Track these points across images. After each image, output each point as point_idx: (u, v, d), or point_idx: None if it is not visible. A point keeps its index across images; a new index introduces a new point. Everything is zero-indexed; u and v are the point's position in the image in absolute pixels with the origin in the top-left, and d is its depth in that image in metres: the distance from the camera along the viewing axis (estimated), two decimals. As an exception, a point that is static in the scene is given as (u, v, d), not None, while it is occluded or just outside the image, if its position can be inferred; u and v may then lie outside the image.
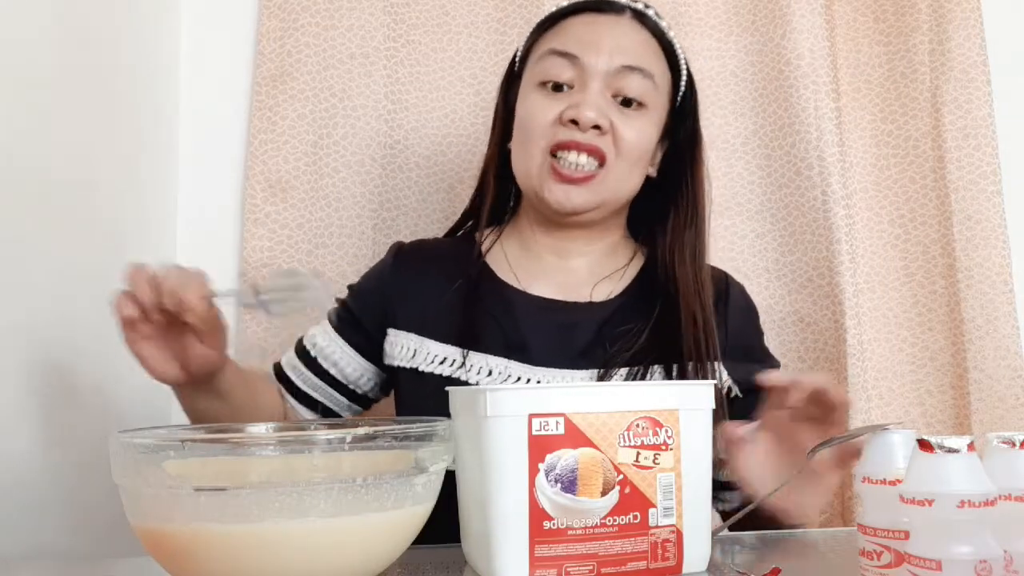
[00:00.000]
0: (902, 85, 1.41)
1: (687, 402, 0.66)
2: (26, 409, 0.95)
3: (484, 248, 1.04)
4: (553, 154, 0.94)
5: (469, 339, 0.97)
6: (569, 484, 0.62)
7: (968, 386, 1.33)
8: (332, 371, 1.03)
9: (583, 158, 0.93)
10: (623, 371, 0.94)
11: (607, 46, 0.95)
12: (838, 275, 1.31)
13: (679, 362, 0.94)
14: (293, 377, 1.03)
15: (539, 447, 0.62)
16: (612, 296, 1.00)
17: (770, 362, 1.04)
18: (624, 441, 0.63)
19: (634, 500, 0.63)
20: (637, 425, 0.64)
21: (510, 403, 0.62)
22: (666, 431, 0.64)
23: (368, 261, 1.34)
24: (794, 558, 0.78)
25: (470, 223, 1.09)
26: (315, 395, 1.03)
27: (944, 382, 1.37)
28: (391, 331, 1.01)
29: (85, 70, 1.09)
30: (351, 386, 1.04)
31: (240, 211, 1.37)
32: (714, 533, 0.68)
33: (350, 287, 1.08)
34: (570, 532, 0.62)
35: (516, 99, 1.01)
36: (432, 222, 1.36)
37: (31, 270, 0.96)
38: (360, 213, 1.36)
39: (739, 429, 0.80)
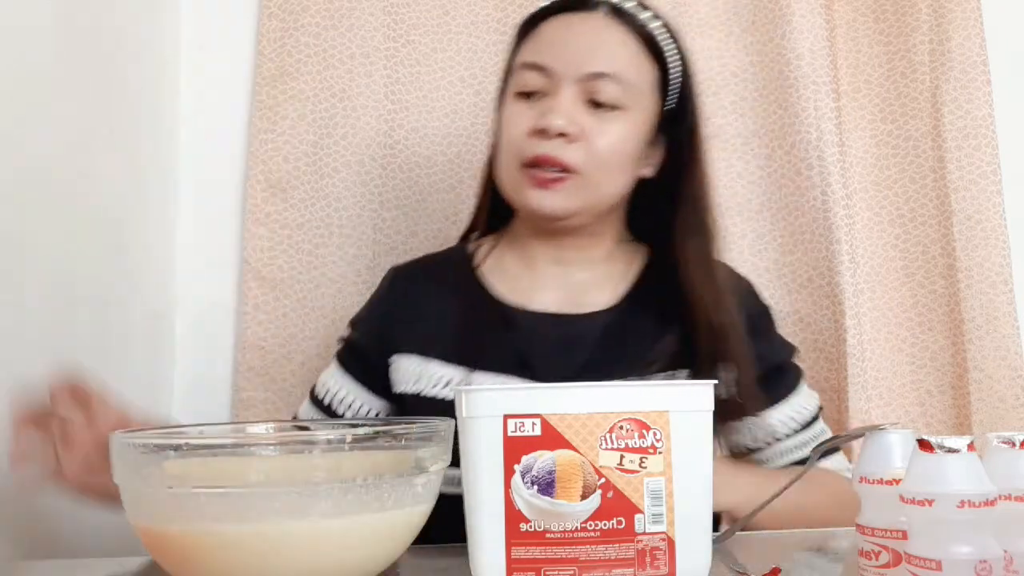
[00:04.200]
0: (902, 85, 1.41)
1: (680, 403, 0.63)
2: (26, 409, 0.95)
3: (481, 260, 1.03)
4: (528, 166, 0.93)
5: (472, 358, 0.95)
6: (546, 486, 0.61)
7: (968, 386, 1.33)
8: (348, 414, 1.01)
9: (552, 171, 0.92)
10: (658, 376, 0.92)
11: (576, 51, 0.93)
12: (838, 275, 1.31)
13: (693, 367, 0.92)
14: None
15: (514, 448, 0.61)
16: (613, 303, 0.99)
17: (776, 357, 1.01)
18: (606, 443, 0.61)
19: (618, 505, 0.61)
20: (620, 427, 0.62)
21: (485, 404, 0.62)
22: (654, 434, 0.62)
23: (368, 261, 1.35)
24: (794, 558, 0.78)
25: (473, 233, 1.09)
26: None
27: (944, 382, 1.37)
28: (395, 357, 0.99)
29: (85, 70, 1.09)
30: None
31: (240, 211, 1.37)
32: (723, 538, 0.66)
33: (352, 321, 1.07)
34: (548, 535, 0.61)
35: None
36: (432, 222, 1.36)
37: (31, 270, 0.96)
38: (360, 213, 1.36)
39: None
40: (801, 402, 1.00)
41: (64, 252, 1.03)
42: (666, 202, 1.00)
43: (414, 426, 0.63)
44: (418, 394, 0.96)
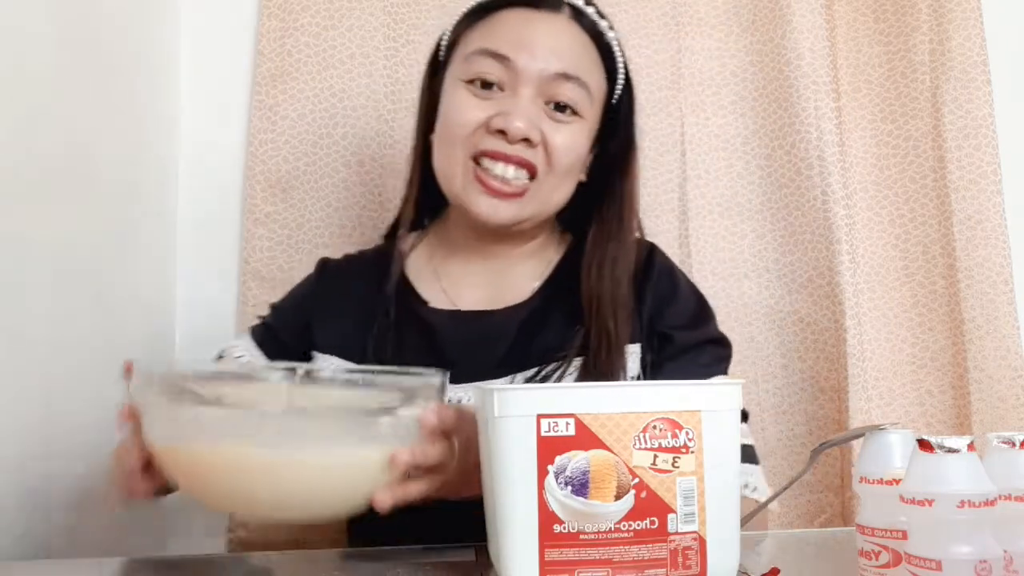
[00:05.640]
0: (902, 85, 1.41)
1: (711, 403, 0.62)
2: (27, 413, 0.95)
3: (406, 255, 1.01)
4: (476, 161, 0.90)
5: (392, 361, 0.92)
6: (580, 487, 0.60)
7: (968, 386, 1.33)
8: None
9: (511, 171, 0.89)
10: (548, 368, 0.90)
11: (541, 48, 0.90)
12: (838, 275, 1.31)
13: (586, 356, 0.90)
14: None
15: (548, 448, 0.60)
16: (531, 294, 0.97)
17: (695, 354, 0.95)
18: (640, 443, 0.61)
19: (651, 505, 0.61)
20: (654, 427, 0.61)
21: (518, 403, 0.61)
22: (686, 433, 0.62)
23: (368, 261, 1.35)
24: (794, 558, 0.78)
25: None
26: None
27: (944, 382, 1.37)
28: (315, 353, 0.97)
29: (84, 70, 1.09)
30: None
31: (240, 211, 1.37)
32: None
33: (273, 305, 1.06)
34: (582, 536, 0.60)
35: (440, 89, 0.96)
36: (432, 222, 1.36)
37: (30, 269, 0.96)
38: (360, 213, 1.36)
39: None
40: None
41: (64, 252, 1.03)
42: (588, 204, 0.98)
43: (406, 378, 0.68)
44: None
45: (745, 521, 0.77)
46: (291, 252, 1.34)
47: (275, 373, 0.67)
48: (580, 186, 0.98)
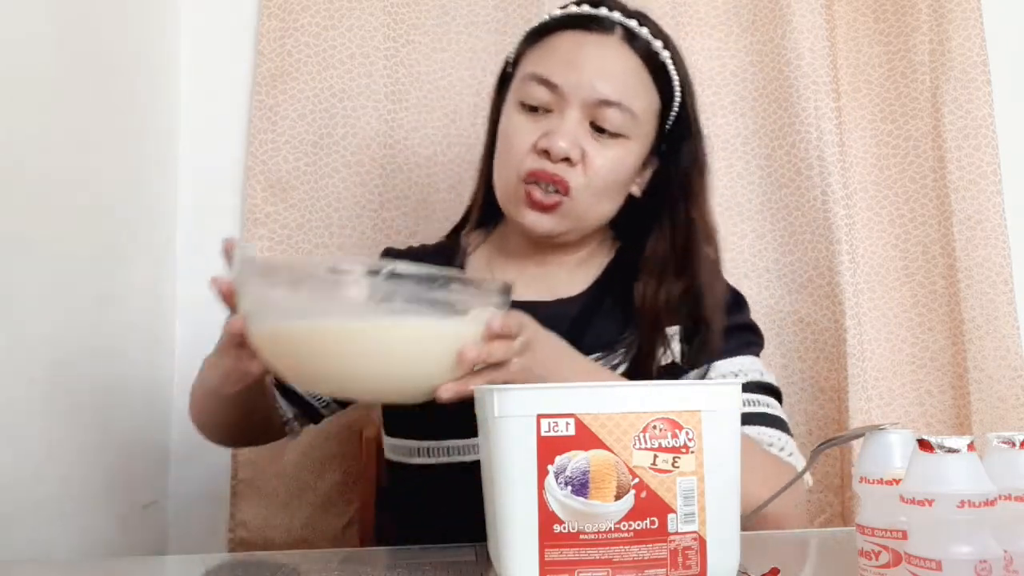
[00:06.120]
0: (902, 85, 1.41)
1: (711, 403, 0.62)
2: (26, 411, 0.95)
3: (469, 254, 1.05)
4: (525, 180, 0.94)
5: None
6: (580, 487, 0.60)
7: (968, 386, 1.33)
8: None
9: (551, 188, 0.93)
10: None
11: (588, 74, 0.93)
12: (838, 275, 1.31)
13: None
14: None
15: (548, 448, 0.60)
16: (580, 292, 1.01)
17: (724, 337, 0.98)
18: (640, 443, 0.61)
19: (651, 505, 0.61)
20: (654, 427, 0.61)
21: (518, 403, 0.61)
22: (686, 433, 0.62)
23: (368, 261, 1.35)
24: (793, 558, 0.78)
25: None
26: (297, 388, 1.02)
27: (944, 382, 1.37)
28: None
29: (85, 70, 1.09)
30: None
31: (240, 211, 1.37)
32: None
33: None
34: (582, 536, 0.60)
35: (503, 106, 1.01)
36: (432, 222, 1.36)
37: (30, 270, 0.96)
38: (360, 213, 1.36)
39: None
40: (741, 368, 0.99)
41: (64, 252, 1.03)
42: (648, 223, 1.01)
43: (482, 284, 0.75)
44: None
45: (752, 518, 0.77)
46: (291, 252, 1.34)
47: (361, 266, 0.71)
48: (634, 198, 1.01)
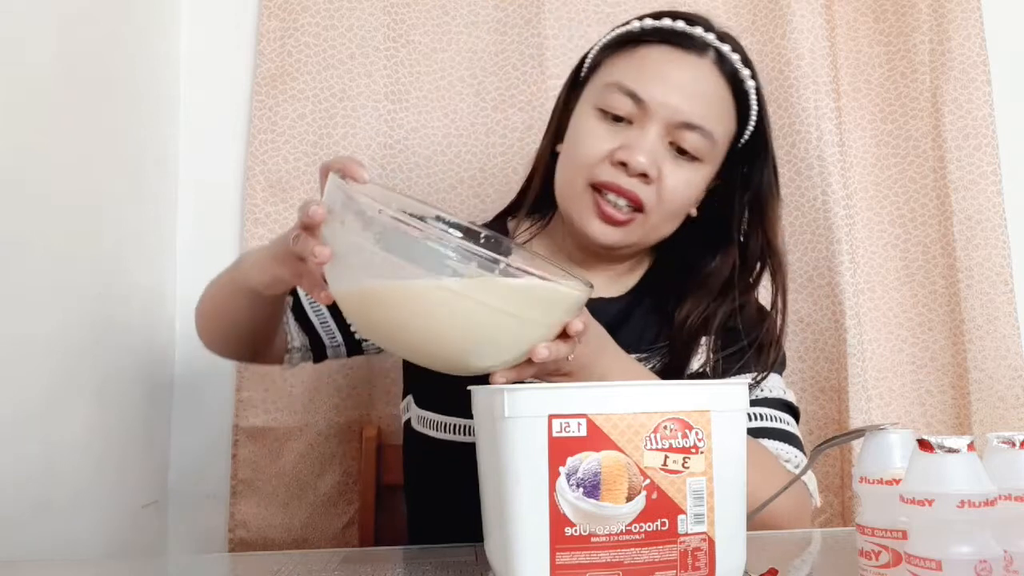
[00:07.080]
0: (902, 85, 1.41)
1: (720, 403, 0.62)
2: (26, 411, 0.95)
3: (516, 237, 1.05)
4: (595, 189, 0.93)
5: None
6: (592, 489, 0.59)
7: (968, 386, 1.33)
8: (324, 335, 1.04)
9: (622, 201, 0.92)
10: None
11: (676, 93, 0.91)
12: (838, 275, 1.31)
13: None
14: (303, 296, 1.03)
15: (560, 449, 0.59)
16: (624, 292, 1.03)
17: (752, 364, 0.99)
18: (651, 444, 0.60)
19: (662, 506, 0.60)
20: (665, 427, 0.60)
21: (529, 404, 0.59)
22: (696, 433, 0.61)
23: (368, 261, 1.35)
24: (792, 558, 0.78)
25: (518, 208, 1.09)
26: (314, 319, 1.03)
27: (944, 382, 1.37)
28: None
29: (85, 71, 1.09)
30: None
31: (240, 211, 1.37)
32: None
33: None
34: (593, 539, 0.59)
35: (575, 105, 0.99)
36: (432, 222, 1.36)
37: (30, 270, 0.96)
38: (360, 213, 1.36)
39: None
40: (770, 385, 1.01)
41: (64, 252, 1.03)
42: (699, 230, 1.01)
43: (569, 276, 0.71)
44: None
45: (751, 518, 0.77)
46: (291, 252, 1.34)
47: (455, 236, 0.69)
48: (690, 222, 1.01)
